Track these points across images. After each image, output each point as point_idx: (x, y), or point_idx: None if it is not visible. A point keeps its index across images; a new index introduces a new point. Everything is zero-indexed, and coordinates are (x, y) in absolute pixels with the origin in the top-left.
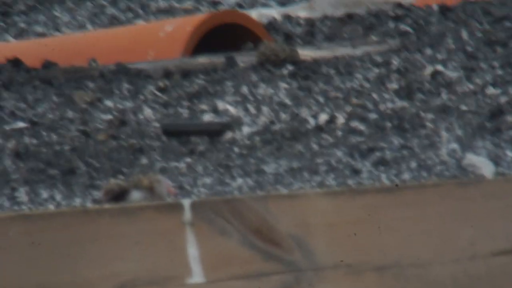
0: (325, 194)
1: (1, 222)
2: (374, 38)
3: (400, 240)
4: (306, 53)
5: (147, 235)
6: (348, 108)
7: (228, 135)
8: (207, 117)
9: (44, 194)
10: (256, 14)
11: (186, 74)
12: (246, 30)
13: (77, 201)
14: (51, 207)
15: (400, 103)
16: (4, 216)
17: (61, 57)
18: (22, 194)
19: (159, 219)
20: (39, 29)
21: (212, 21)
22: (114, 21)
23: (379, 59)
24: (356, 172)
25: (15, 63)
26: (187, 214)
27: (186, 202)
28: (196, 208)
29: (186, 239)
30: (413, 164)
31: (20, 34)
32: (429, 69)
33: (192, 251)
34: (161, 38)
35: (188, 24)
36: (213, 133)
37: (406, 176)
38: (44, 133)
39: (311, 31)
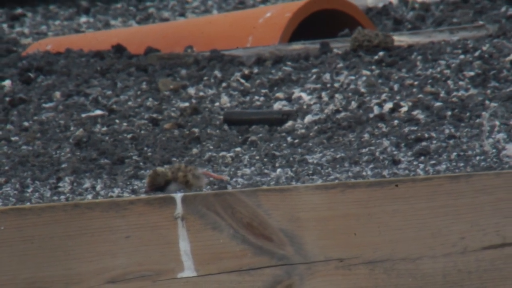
0: (316, 188)
1: None
2: (481, 22)
3: (391, 234)
4: (402, 38)
5: (138, 229)
6: (419, 96)
7: (289, 123)
8: (278, 105)
9: (87, 184)
10: None
11: (278, 60)
12: (346, 16)
13: (116, 192)
14: (89, 197)
15: (472, 91)
16: None
17: (167, 43)
18: (66, 183)
19: (151, 213)
20: (166, 14)
21: (311, 7)
22: (239, 6)
23: (471, 44)
24: (395, 162)
25: (119, 49)
26: (179, 208)
27: (178, 196)
28: (187, 202)
29: (178, 233)
30: (453, 155)
31: (146, 19)
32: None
33: (184, 245)
34: (260, 24)
35: (287, 10)
36: (275, 122)
37: (442, 167)
38: (117, 121)
39: (422, 16)
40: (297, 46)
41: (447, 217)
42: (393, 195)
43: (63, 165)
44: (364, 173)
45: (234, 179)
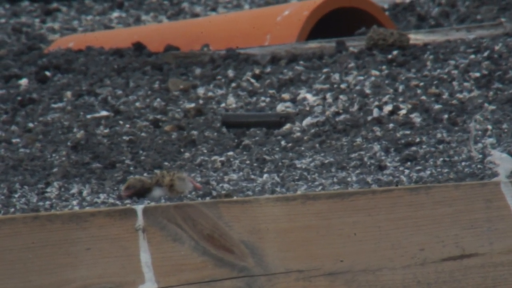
0: (277, 200)
1: None
2: (502, 19)
3: (351, 246)
4: (419, 37)
5: (99, 241)
6: (421, 98)
7: (287, 126)
8: (281, 107)
9: (74, 189)
10: None
11: (293, 59)
12: (365, 14)
13: (101, 197)
14: (74, 203)
15: (475, 93)
16: None
17: (186, 41)
18: (54, 188)
19: (111, 225)
20: (198, 9)
21: (329, 5)
22: (271, 1)
23: (485, 43)
24: (381, 168)
25: (138, 47)
26: (140, 220)
27: (139, 208)
28: (148, 214)
29: (139, 245)
30: (440, 160)
31: (177, 14)
32: None
33: (145, 257)
34: (278, 22)
35: (305, 8)
36: (273, 124)
37: (427, 173)
38: (120, 123)
39: (447, 12)
40: (313, 45)
41: (406, 229)
42: (353, 207)
43: (55, 169)
44: (349, 179)
45: (220, 185)
